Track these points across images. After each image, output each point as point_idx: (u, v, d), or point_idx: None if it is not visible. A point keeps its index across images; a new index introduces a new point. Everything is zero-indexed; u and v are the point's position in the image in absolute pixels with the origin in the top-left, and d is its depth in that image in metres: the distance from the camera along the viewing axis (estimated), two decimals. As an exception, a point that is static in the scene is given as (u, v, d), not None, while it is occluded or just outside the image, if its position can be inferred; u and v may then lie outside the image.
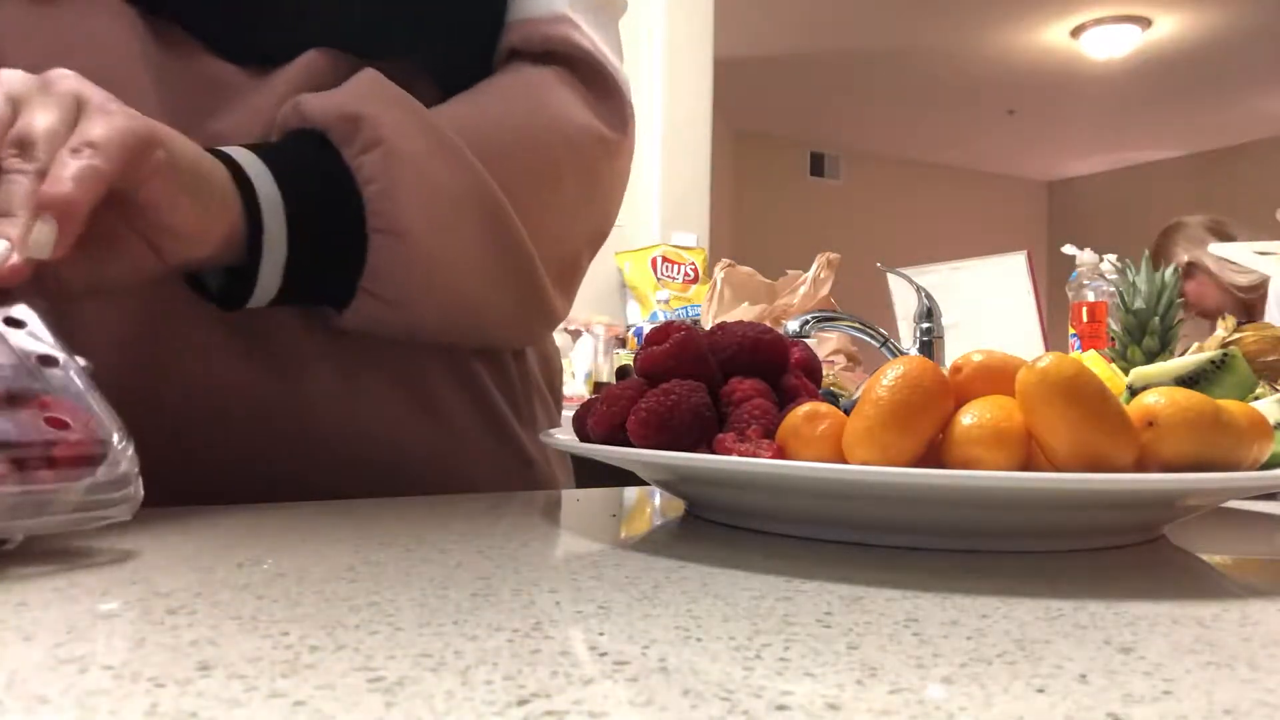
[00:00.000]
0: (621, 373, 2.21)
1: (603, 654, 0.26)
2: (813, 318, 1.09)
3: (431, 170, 0.53)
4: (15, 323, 0.37)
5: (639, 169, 3.36)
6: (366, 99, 0.52)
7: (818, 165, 7.01)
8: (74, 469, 0.35)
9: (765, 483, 0.43)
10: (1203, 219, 2.43)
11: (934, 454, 0.43)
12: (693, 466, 0.44)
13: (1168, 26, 4.84)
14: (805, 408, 0.45)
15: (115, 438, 0.36)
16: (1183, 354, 0.62)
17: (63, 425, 0.35)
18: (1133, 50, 5.07)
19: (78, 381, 0.37)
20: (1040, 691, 0.23)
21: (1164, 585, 0.37)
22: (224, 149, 0.49)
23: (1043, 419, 0.40)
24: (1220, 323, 0.79)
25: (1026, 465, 0.41)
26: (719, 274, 2.05)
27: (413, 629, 0.28)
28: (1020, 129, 6.63)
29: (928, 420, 0.42)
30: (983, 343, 0.53)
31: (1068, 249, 1.57)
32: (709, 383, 0.49)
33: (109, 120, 0.41)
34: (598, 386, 2.15)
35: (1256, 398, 0.57)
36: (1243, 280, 2.30)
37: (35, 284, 0.38)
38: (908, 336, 1.39)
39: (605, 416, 0.49)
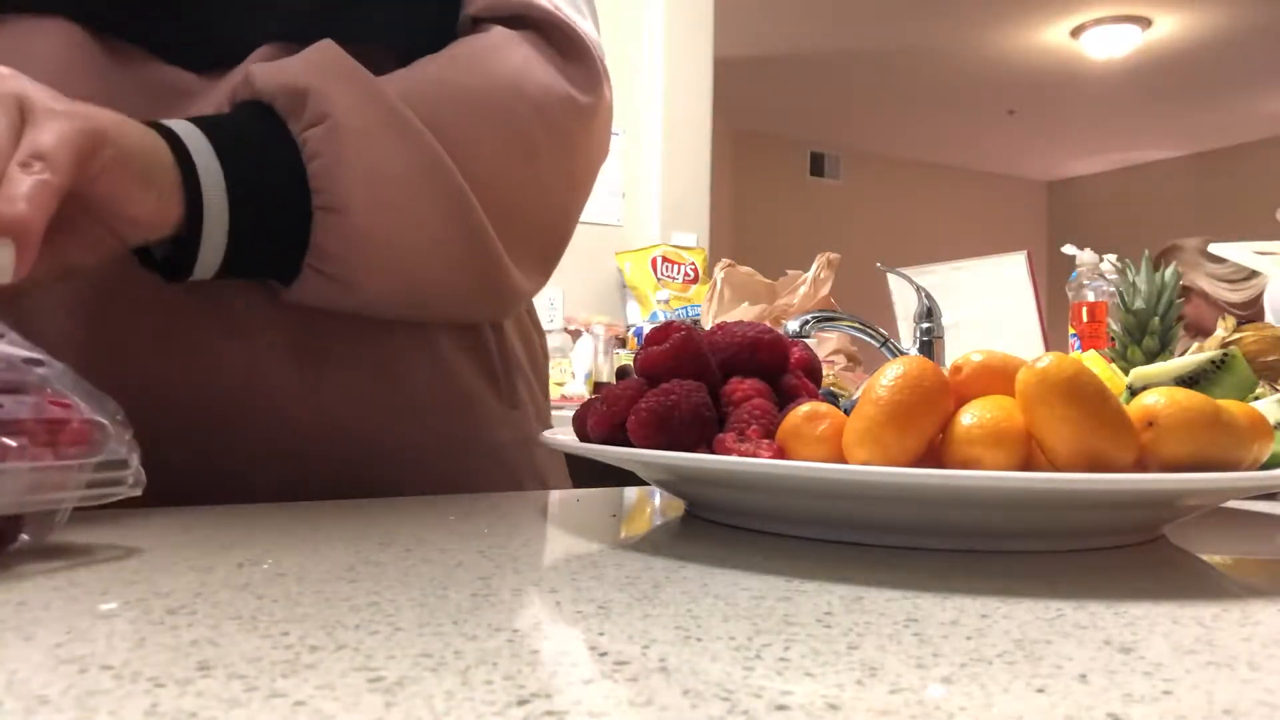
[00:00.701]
0: (621, 373, 2.21)
1: (603, 654, 0.26)
2: (813, 318, 1.09)
3: (379, 148, 0.51)
4: None
5: (639, 169, 3.38)
6: (316, 72, 0.51)
7: (818, 165, 7.01)
8: (84, 446, 0.36)
9: (765, 483, 0.43)
10: (1197, 241, 2.44)
11: (934, 454, 0.43)
12: (693, 466, 0.44)
13: (1168, 26, 4.84)
14: (805, 408, 0.45)
15: (115, 419, 0.37)
16: (1183, 354, 0.62)
17: (67, 407, 0.36)
18: (1133, 50, 5.07)
19: (67, 377, 0.37)
20: (1040, 691, 0.23)
21: (1164, 585, 0.37)
22: (167, 122, 0.48)
23: (1043, 419, 0.40)
24: (1220, 323, 0.79)
25: (1026, 465, 0.41)
26: (719, 274, 2.05)
27: (413, 629, 0.28)
28: (1020, 129, 6.63)
29: (928, 420, 0.42)
30: (983, 343, 0.53)
31: (1068, 249, 1.57)
32: (709, 383, 0.49)
33: (56, 126, 0.40)
34: (598, 386, 2.15)
35: (1256, 398, 0.57)
36: (1236, 298, 2.30)
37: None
38: (908, 336, 1.39)
39: (605, 416, 0.49)
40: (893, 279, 1.54)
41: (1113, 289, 1.39)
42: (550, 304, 2.97)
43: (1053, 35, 5.02)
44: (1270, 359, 0.73)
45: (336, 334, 0.58)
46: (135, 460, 0.38)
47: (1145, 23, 4.81)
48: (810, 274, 1.95)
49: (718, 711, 0.21)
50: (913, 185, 7.33)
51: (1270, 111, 6.00)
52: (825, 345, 1.78)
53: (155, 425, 0.44)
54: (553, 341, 2.71)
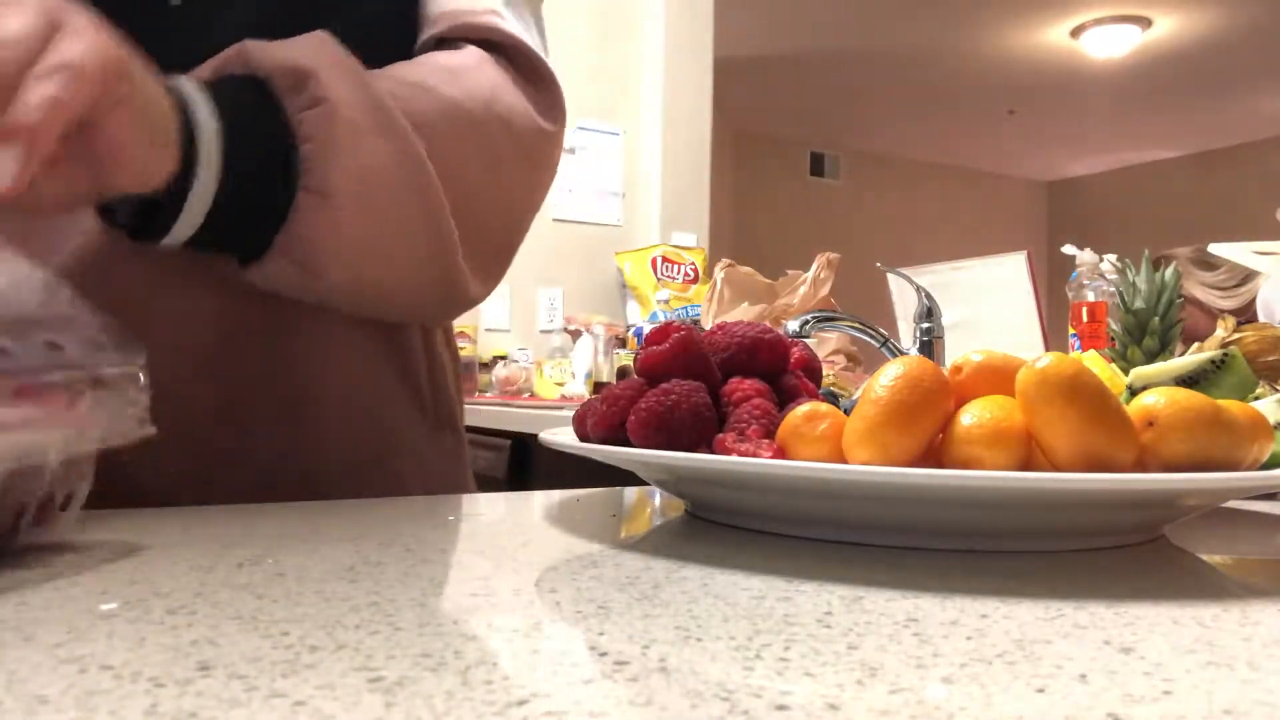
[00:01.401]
0: (621, 373, 2.20)
1: (603, 654, 0.26)
2: (813, 318, 1.09)
3: (369, 141, 0.51)
4: None
5: (639, 169, 3.38)
6: (316, 56, 0.51)
7: (818, 165, 7.01)
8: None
9: (765, 483, 0.43)
10: (1188, 251, 2.46)
11: (934, 454, 0.43)
12: (693, 466, 0.44)
13: (1168, 26, 4.84)
14: (805, 408, 0.45)
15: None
16: (1183, 354, 0.62)
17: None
18: (1133, 50, 5.06)
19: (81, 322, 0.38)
20: (1040, 691, 0.23)
21: (1164, 585, 0.37)
22: (170, 79, 0.47)
23: (1043, 419, 0.40)
24: (1220, 323, 0.79)
25: (1026, 465, 0.41)
26: (719, 274, 2.05)
27: (413, 629, 0.28)
28: (1020, 129, 6.63)
29: (928, 420, 0.42)
30: (983, 343, 0.53)
31: (1068, 249, 1.56)
32: (709, 383, 0.49)
33: (87, 44, 0.39)
34: (598, 386, 2.15)
35: (1256, 398, 0.57)
36: (1229, 305, 2.32)
37: None
38: (908, 336, 1.39)
39: (605, 416, 0.49)
40: (893, 279, 1.53)
41: (1113, 289, 1.39)
42: (550, 304, 2.97)
43: (1053, 35, 5.02)
44: (1270, 359, 0.73)
45: (255, 355, 0.58)
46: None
47: (1145, 23, 4.81)
48: (810, 274, 1.95)
49: (718, 711, 0.21)
50: (913, 185, 7.32)
51: (1270, 111, 6.00)
52: (825, 345, 1.78)
53: None
54: (553, 341, 2.71)
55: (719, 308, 2.01)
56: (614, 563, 0.38)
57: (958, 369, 0.45)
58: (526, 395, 2.46)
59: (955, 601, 0.32)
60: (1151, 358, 0.73)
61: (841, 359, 1.77)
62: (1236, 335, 0.75)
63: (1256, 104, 5.91)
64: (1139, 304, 0.75)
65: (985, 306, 1.55)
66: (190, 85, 0.48)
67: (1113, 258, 1.47)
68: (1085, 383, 0.40)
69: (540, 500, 0.61)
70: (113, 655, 0.24)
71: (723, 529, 0.47)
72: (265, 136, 0.50)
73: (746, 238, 5.92)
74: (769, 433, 0.46)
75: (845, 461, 0.42)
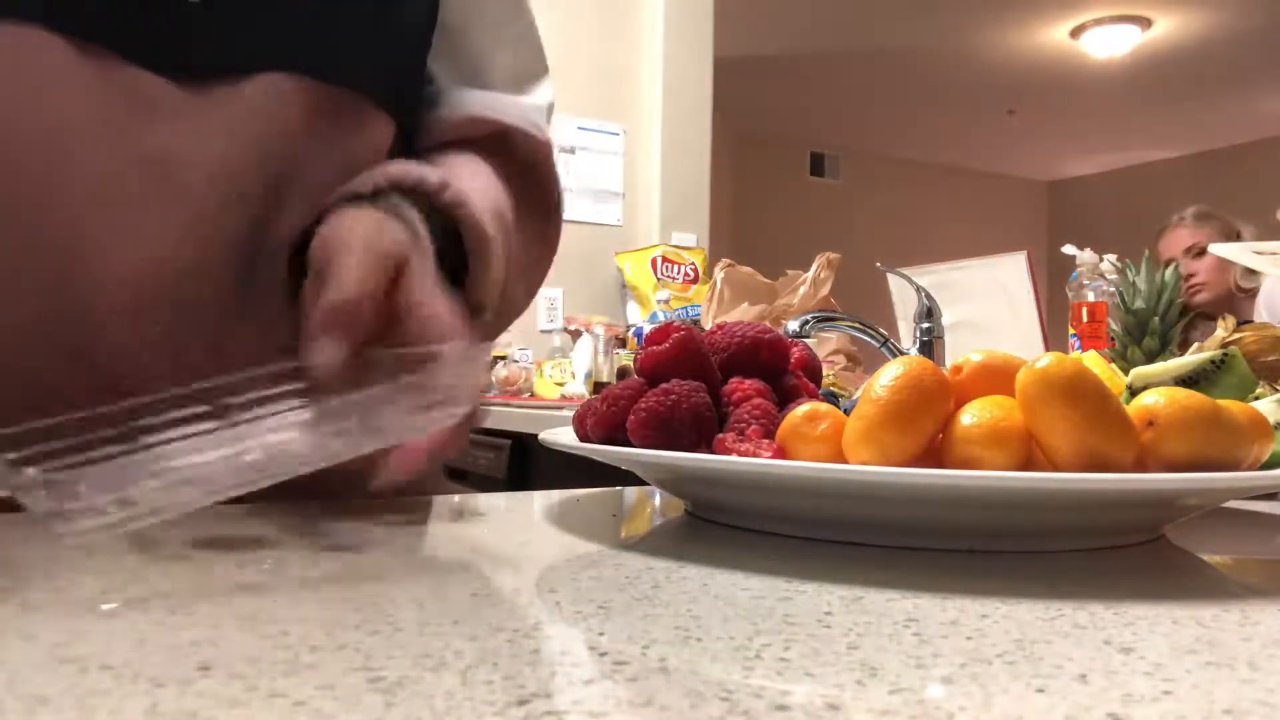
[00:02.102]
0: (621, 373, 2.20)
1: (603, 654, 0.26)
2: (813, 318, 1.09)
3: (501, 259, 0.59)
4: None
5: (639, 169, 3.37)
6: (489, 219, 0.57)
7: (818, 165, 7.01)
8: None
9: (765, 483, 0.43)
10: (1226, 217, 2.49)
11: (934, 454, 0.43)
12: (693, 466, 0.44)
13: (1168, 26, 4.84)
14: (805, 408, 0.45)
15: None
16: (1183, 352, 0.62)
17: None
18: (1133, 50, 5.07)
19: None
20: (1040, 691, 0.23)
21: (1164, 585, 0.37)
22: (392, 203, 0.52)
23: (1043, 419, 0.40)
24: (1220, 323, 0.79)
25: (1026, 465, 0.41)
26: (719, 274, 2.05)
27: (413, 629, 0.28)
28: (1020, 129, 6.63)
29: (928, 420, 0.42)
30: (983, 343, 0.53)
31: (1068, 249, 1.56)
32: (709, 383, 0.49)
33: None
34: (598, 386, 2.15)
35: (1256, 398, 0.57)
36: (1246, 284, 2.33)
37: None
38: (908, 336, 1.39)
39: (605, 416, 0.49)
40: (893, 279, 1.53)
41: (1113, 289, 1.39)
42: (550, 304, 2.97)
43: (1053, 35, 5.02)
44: (1270, 359, 0.73)
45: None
46: None
47: (1145, 23, 4.81)
48: (810, 274, 1.95)
49: (718, 711, 0.21)
50: (913, 185, 7.32)
51: (1270, 111, 6.00)
52: (825, 345, 1.78)
53: None
54: (553, 341, 2.71)
55: (719, 308, 2.01)
56: (614, 563, 0.38)
57: (958, 369, 0.45)
58: (526, 395, 2.46)
59: (955, 601, 0.32)
60: (1151, 358, 0.73)
61: (841, 359, 1.77)
62: (1236, 335, 0.75)
63: (1256, 104, 5.91)
64: (1139, 304, 0.75)
65: (985, 306, 1.55)
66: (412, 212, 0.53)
67: (1113, 258, 1.47)
68: (1085, 383, 0.40)
69: (540, 500, 0.61)
70: (113, 655, 0.24)
71: (723, 529, 0.47)
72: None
73: (746, 238, 5.92)
74: (769, 433, 0.46)
75: (845, 461, 0.42)
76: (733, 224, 5.93)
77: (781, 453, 0.44)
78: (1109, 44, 4.98)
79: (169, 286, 0.53)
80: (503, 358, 2.61)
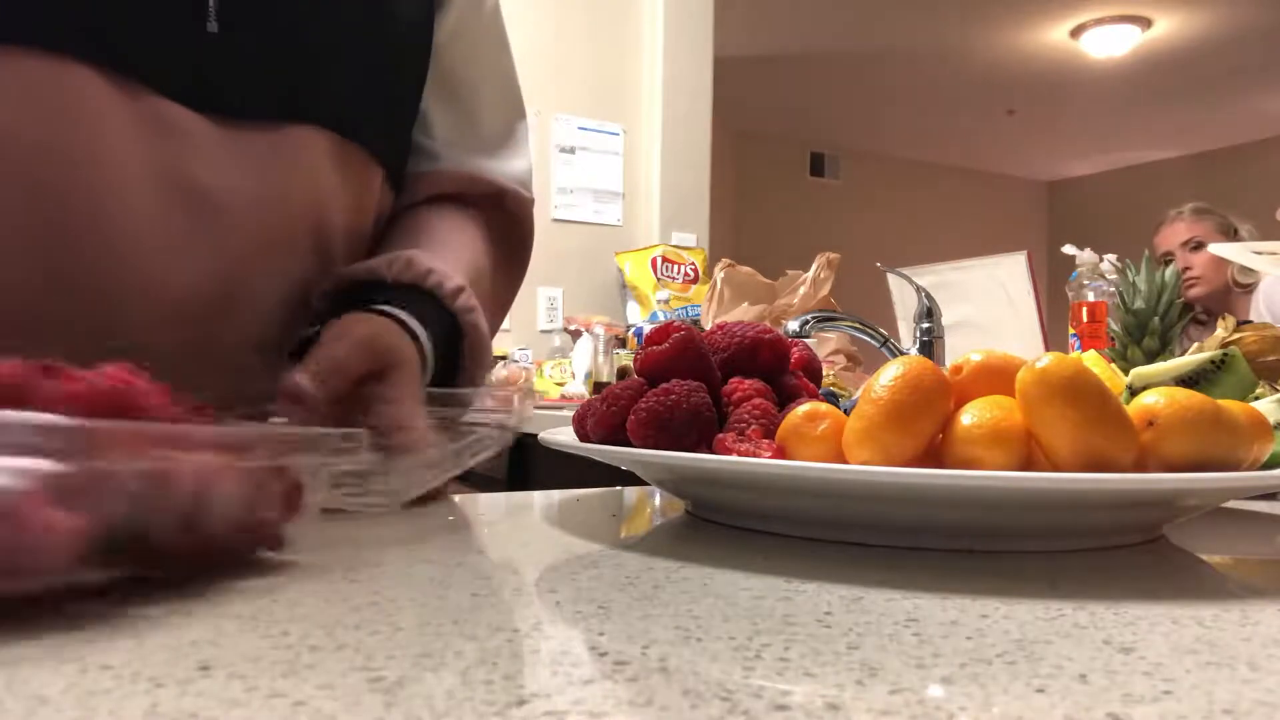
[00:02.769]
0: (621, 373, 2.20)
1: (603, 654, 0.26)
2: (813, 318, 1.09)
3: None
4: None
5: (639, 169, 3.38)
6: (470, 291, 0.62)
7: (818, 165, 7.01)
8: None
9: (765, 483, 0.43)
10: (1224, 212, 2.49)
11: (934, 454, 0.43)
12: (693, 466, 0.44)
13: (1168, 26, 4.84)
14: (805, 408, 0.45)
15: None
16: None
17: None
18: (1132, 50, 5.06)
19: None
20: (1040, 691, 0.23)
21: (1164, 585, 0.37)
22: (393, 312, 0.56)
23: (1043, 419, 0.40)
24: (1220, 323, 0.79)
25: (1026, 465, 0.41)
26: (719, 274, 2.05)
27: (413, 629, 0.28)
28: (1020, 129, 6.63)
29: (928, 420, 0.42)
30: (983, 343, 0.53)
31: (1068, 249, 1.56)
32: (709, 383, 0.49)
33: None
34: (598, 386, 2.15)
35: (1256, 398, 0.57)
36: (1243, 279, 2.32)
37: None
38: (908, 336, 1.39)
39: (605, 416, 0.49)
40: (893, 279, 1.53)
41: (1113, 289, 1.39)
42: (550, 304, 2.97)
43: (1053, 35, 5.02)
44: (1270, 359, 0.73)
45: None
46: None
47: (1145, 23, 4.81)
48: (810, 274, 1.95)
49: (718, 711, 0.21)
50: (913, 185, 7.32)
51: (1270, 111, 6.00)
52: (825, 345, 1.78)
53: None
54: (553, 341, 2.71)
55: (719, 308, 2.01)
56: (614, 563, 0.38)
57: (958, 369, 0.45)
58: (526, 395, 2.46)
59: (955, 601, 0.32)
60: (1151, 358, 0.73)
61: (841, 359, 1.77)
62: (1236, 335, 0.75)
63: (1256, 104, 5.91)
64: (1139, 304, 0.75)
65: (985, 306, 1.55)
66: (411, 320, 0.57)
67: (1113, 258, 1.47)
68: (1085, 383, 0.40)
69: (540, 500, 0.61)
70: (113, 655, 0.24)
71: (723, 529, 0.47)
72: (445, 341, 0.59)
73: (746, 238, 5.92)
74: (769, 433, 0.46)
75: (845, 461, 0.42)
76: (733, 224, 5.93)
77: (781, 453, 0.44)
78: (1109, 44, 4.98)
79: (197, 322, 0.55)
80: (503, 358, 2.61)
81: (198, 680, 0.23)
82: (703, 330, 0.53)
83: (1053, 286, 1.64)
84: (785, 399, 0.50)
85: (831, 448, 0.43)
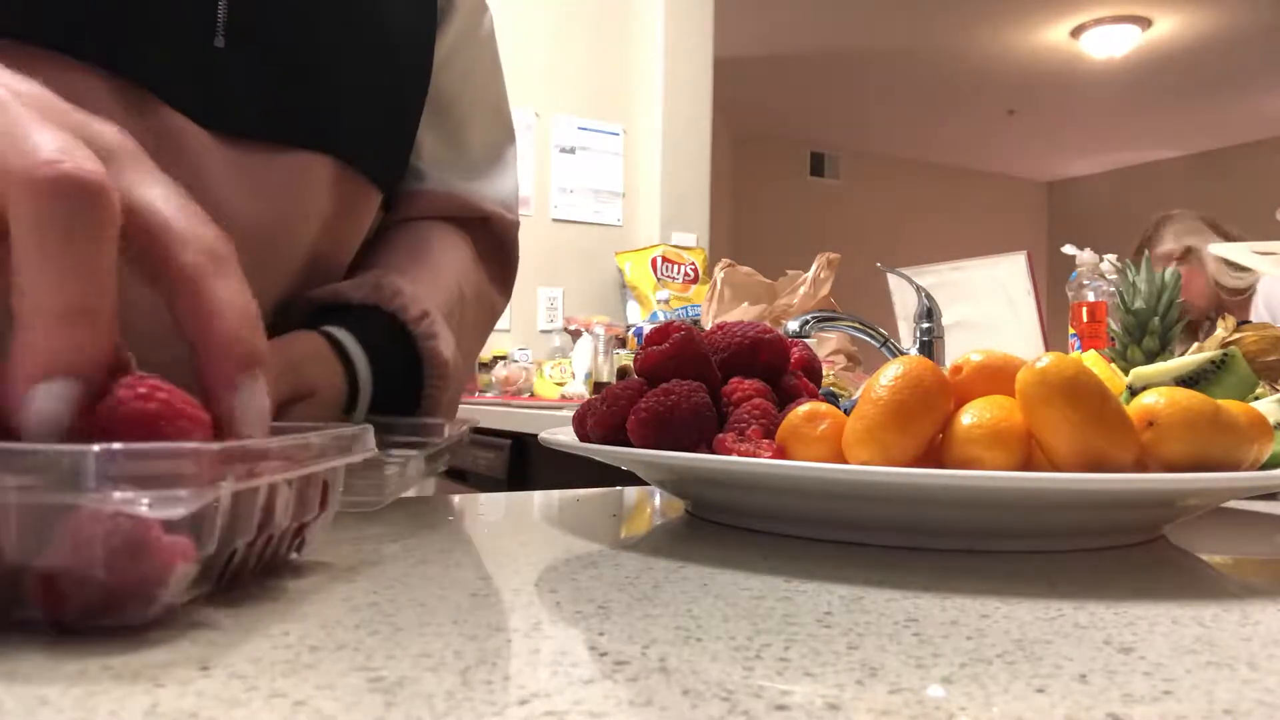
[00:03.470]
0: (621, 373, 2.20)
1: (603, 654, 0.26)
2: (813, 318, 1.09)
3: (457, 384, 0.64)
4: None
5: (639, 169, 3.38)
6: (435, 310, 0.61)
7: (818, 165, 7.01)
8: None
9: (765, 483, 0.43)
10: (1198, 214, 2.46)
11: (934, 454, 0.43)
12: (693, 466, 0.44)
13: (1168, 26, 4.84)
14: (805, 408, 0.45)
15: None
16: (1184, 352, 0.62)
17: None
18: (1133, 50, 5.07)
19: None
20: (1040, 691, 0.23)
21: (1164, 585, 0.37)
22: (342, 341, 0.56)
23: (1043, 419, 0.40)
24: (1220, 323, 0.79)
25: (1026, 465, 0.41)
26: (719, 274, 2.05)
27: (413, 629, 0.28)
28: (1020, 129, 6.63)
29: (928, 420, 0.42)
30: (983, 343, 0.53)
31: (1068, 249, 1.56)
32: (709, 383, 0.49)
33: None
34: (598, 386, 2.15)
35: (1256, 398, 0.57)
36: (1232, 283, 2.31)
37: None
38: (908, 336, 1.39)
39: (605, 416, 0.49)
40: (893, 279, 1.54)
41: (1113, 289, 1.39)
42: (550, 304, 2.97)
43: (1053, 35, 5.02)
44: (1270, 359, 0.73)
45: None
46: None
47: (1145, 23, 4.81)
48: (810, 274, 1.95)
49: (718, 711, 0.21)
50: (913, 185, 7.32)
51: (1270, 111, 6.00)
52: (825, 345, 1.78)
53: None
54: (553, 341, 2.71)
55: (719, 308, 2.01)
56: (614, 563, 0.38)
57: (958, 369, 0.45)
58: (526, 395, 2.46)
59: (955, 601, 0.32)
60: (1151, 358, 0.73)
61: (841, 359, 1.77)
62: (1236, 335, 0.75)
63: (1256, 104, 5.91)
64: (1139, 304, 0.75)
65: (985, 306, 1.55)
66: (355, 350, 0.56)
67: (1113, 258, 1.47)
68: (1085, 383, 0.40)
69: (540, 500, 0.61)
70: (113, 655, 0.24)
71: (723, 529, 0.47)
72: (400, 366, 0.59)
73: (746, 238, 5.93)
74: (769, 433, 0.46)
75: (845, 461, 0.42)
76: (733, 224, 5.93)
77: (781, 453, 0.44)
78: (1109, 44, 4.99)
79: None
80: (503, 358, 2.61)
81: (198, 680, 0.23)
82: (703, 330, 0.53)
83: (1053, 286, 1.64)
84: (785, 399, 0.50)
85: (831, 448, 0.43)
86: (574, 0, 3.01)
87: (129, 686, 0.22)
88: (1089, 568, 0.40)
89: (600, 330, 2.32)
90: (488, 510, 0.56)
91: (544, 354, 2.67)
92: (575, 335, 2.51)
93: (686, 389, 0.47)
